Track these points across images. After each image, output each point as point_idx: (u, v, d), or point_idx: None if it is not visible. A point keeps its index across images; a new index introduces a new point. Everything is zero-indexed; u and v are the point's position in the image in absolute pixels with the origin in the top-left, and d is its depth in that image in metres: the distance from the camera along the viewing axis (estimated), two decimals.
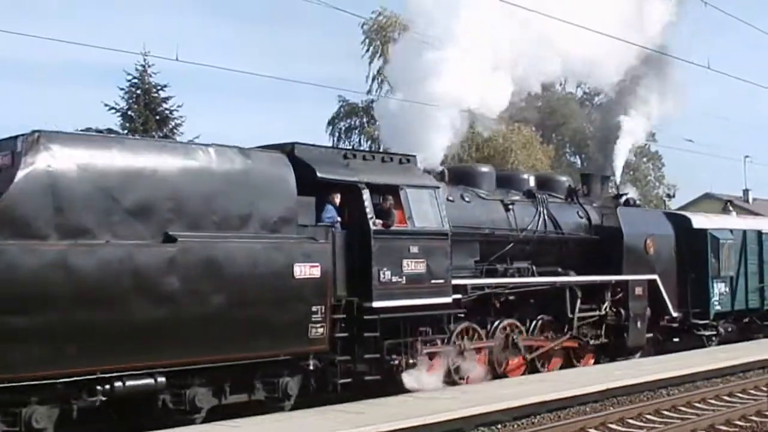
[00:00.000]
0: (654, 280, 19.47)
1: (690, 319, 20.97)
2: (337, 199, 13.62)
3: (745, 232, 23.34)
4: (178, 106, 27.41)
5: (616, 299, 18.63)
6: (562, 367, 17.44)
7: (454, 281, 14.82)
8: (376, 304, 13.53)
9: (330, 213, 13.45)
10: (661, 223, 20.86)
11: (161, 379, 11.15)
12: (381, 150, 17.82)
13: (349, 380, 13.34)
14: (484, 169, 17.72)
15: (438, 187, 14.98)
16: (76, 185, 10.57)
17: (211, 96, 60.72)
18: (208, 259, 11.64)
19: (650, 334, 19.61)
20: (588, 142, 44.12)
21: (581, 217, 18.70)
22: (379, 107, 25.62)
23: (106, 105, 26.88)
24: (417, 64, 16.81)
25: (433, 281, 14.38)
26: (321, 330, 12.82)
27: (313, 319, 12.72)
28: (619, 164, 22.89)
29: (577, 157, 49.15)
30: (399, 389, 13.92)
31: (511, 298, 16.49)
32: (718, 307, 21.80)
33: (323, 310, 12.85)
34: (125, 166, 11.12)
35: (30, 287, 9.98)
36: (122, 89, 27.17)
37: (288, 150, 13.33)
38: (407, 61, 17.38)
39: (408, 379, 14.10)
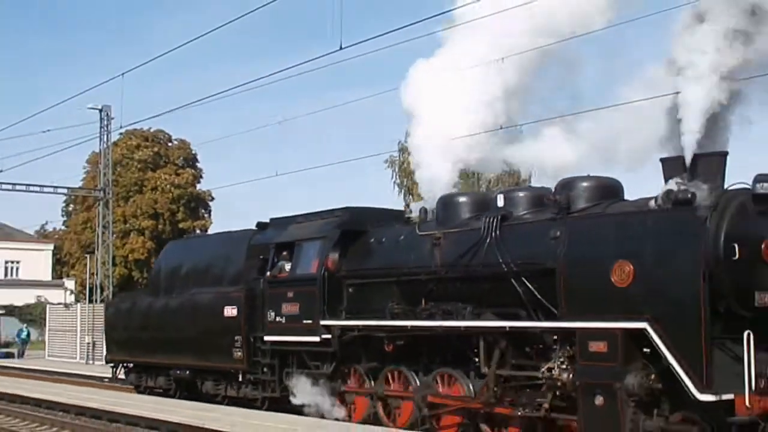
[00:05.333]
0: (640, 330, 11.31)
1: None
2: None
3: None
4: None
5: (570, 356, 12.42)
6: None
7: (325, 322, 16.20)
8: (266, 338, 17.56)
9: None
10: None
11: (187, 372, 20.15)
12: None
13: (255, 395, 17.86)
14: (462, 198, 15.20)
15: (324, 237, 16.53)
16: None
17: None
18: (184, 304, 19.92)
19: None
20: None
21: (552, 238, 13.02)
22: None
23: None
24: None
25: (304, 321, 16.63)
26: (239, 354, 18.30)
27: (235, 345, 18.41)
28: None
29: None
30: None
31: (399, 342, 15.10)
32: None
33: (240, 340, 18.29)
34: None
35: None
36: None
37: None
38: None
39: (293, 400, 16.95)
